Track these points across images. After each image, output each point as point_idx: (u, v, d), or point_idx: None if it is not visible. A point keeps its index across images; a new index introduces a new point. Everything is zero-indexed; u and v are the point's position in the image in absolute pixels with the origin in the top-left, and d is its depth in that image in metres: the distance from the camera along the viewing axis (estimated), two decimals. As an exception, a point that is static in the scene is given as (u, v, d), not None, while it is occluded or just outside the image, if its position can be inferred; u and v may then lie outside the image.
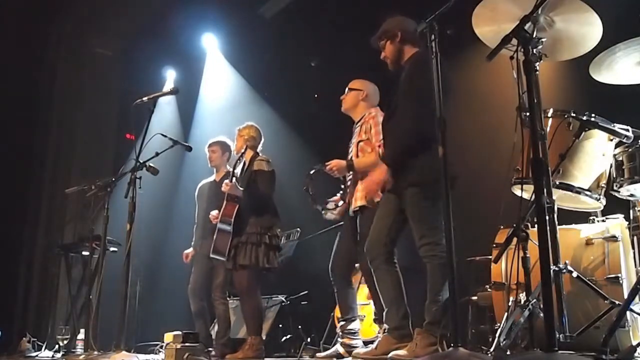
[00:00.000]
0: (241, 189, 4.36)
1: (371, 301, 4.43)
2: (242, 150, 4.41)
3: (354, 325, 3.87)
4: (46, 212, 7.16)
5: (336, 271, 3.90)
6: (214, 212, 4.60)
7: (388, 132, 3.31)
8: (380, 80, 4.00)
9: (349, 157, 3.92)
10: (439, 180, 2.44)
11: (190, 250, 5.09)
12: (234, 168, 4.39)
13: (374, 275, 3.29)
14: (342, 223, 4.06)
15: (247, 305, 4.38)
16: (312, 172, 3.94)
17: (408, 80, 3.16)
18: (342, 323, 3.90)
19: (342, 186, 3.99)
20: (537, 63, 2.60)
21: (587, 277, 2.86)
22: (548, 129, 2.86)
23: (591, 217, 3.20)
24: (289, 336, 5.43)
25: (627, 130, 2.90)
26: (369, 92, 4.03)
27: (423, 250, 3.04)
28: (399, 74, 3.34)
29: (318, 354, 3.96)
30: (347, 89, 4.09)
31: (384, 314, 3.26)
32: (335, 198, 4.05)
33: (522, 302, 2.47)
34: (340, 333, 3.90)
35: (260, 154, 4.49)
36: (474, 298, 4.12)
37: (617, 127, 2.90)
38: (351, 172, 3.86)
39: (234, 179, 4.33)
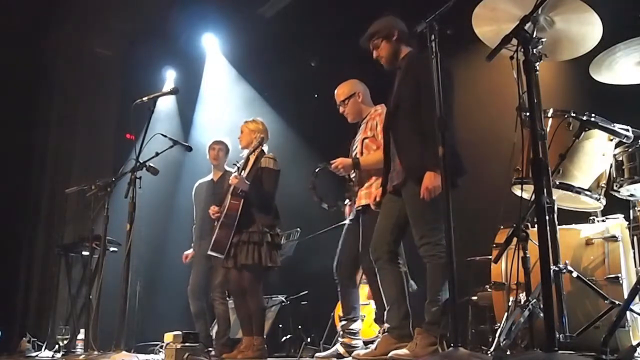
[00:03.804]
0: (248, 183, 4.30)
1: (371, 301, 4.43)
2: (256, 145, 4.29)
3: (356, 326, 3.85)
4: (46, 212, 7.16)
5: (341, 270, 3.86)
6: (214, 208, 4.56)
7: (394, 133, 3.28)
8: (381, 80, 3.98)
9: (354, 154, 3.87)
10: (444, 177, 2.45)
11: (190, 251, 5.08)
12: (243, 163, 4.33)
13: (377, 274, 3.29)
14: (343, 223, 4.05)
15: (249, 304, 4.31)
16: (317, 170, 3.93)
17: (412, 81, 3.15)
18: (343, 322, 3.88)
19: (348, 185, 3.96)
20: (537, 63, 2.61)
21: (587, 277, 2.86)
22: (548, 129, 2.86)
23: (591, 217, 3.19)
24: (289, 336, 5.43)
25: (627, 130, 2.90)
26: (361, 91, 3.96)
27: (423, 250, 3.05)
28: (394, 72, 3.34)
29: (318, 354, 3.94)
30: (340, 102, 3.97)
31: (385, 313, 3.27)
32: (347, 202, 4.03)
33: (522, 302, 2.47)
34: (341, 332, 3.88)
35: (266, 152, 4.42)
36: (474, 298, 4.13)
37: (617, 127, 2.91)
38: (356, 170, 3.82)
39: (242, 172, 4.26)
